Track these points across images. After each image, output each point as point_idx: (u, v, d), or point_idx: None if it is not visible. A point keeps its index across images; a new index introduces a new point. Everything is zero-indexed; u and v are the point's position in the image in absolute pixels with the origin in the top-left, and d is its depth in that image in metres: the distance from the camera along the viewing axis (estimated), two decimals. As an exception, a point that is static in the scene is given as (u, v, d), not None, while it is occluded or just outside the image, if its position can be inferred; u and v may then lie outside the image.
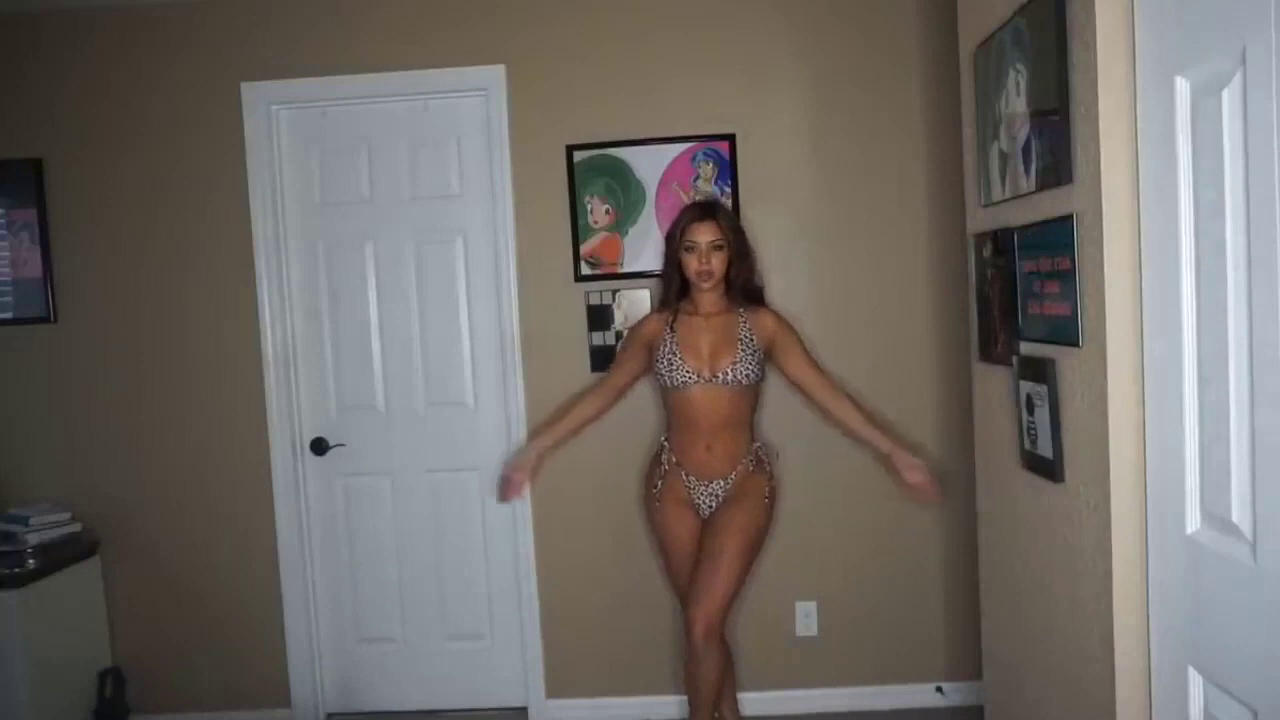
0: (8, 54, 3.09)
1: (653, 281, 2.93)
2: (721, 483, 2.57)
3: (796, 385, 2.64)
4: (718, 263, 2.51)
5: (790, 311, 2.85)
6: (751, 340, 2.53)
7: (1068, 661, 1.80)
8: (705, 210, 2.54)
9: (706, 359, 2.52)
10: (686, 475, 2.58)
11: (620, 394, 2.72)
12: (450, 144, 3.11)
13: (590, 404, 2.70)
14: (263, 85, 3.05)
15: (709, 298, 2.56)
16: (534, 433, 2.68)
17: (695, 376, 2.50)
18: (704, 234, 2.50)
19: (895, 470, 2.55)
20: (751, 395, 2.58)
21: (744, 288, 2.59)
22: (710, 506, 2.59)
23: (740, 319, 2.56)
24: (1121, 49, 1.53)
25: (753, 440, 2.62)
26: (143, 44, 3.07)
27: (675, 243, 2.55)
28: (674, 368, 2.51)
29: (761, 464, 2.61)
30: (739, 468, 2.56)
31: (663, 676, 3.09)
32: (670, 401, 2.58)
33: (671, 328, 2.57)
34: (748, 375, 2.50)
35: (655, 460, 2.68)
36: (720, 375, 2.49)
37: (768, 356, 2.59)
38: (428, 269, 3.15)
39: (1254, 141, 1.20)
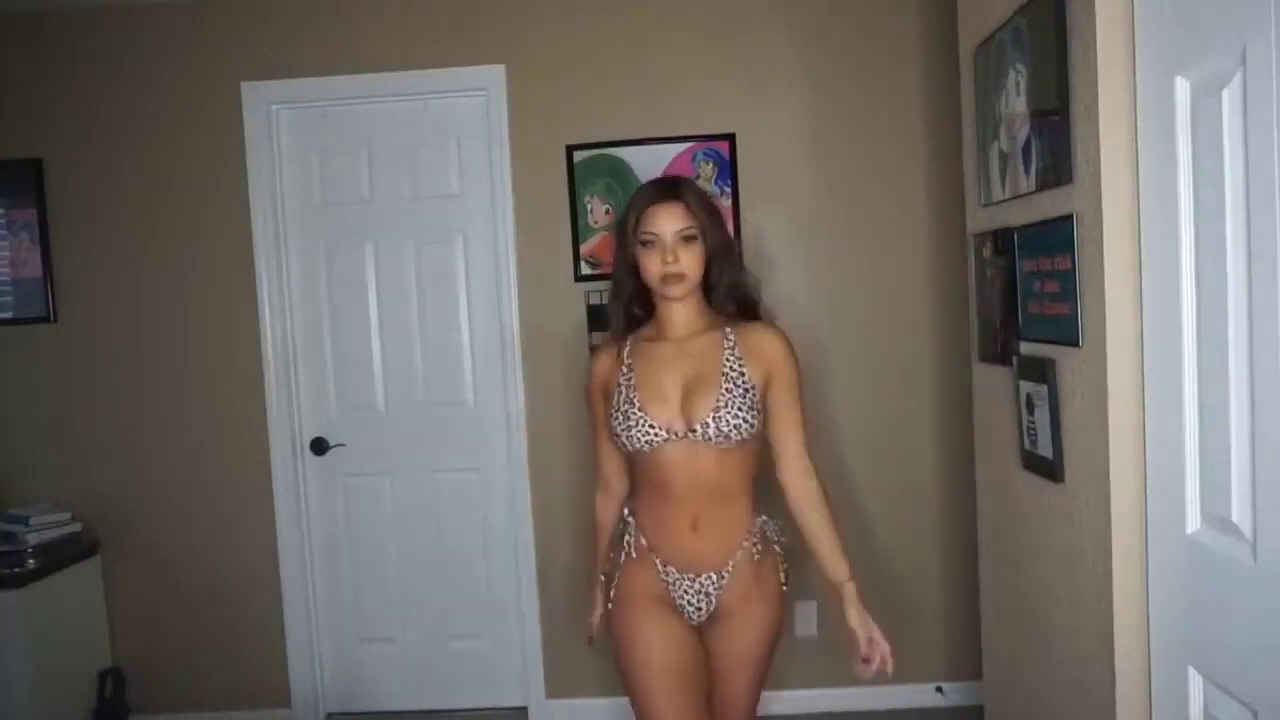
0: (8, 54, 3.08)
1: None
2: (714, 577, 1.82)
3: (767, 441, 1.87)
4: (690, 260, 1.78)
5: (789, 314, 2.82)
6: (742, 371, 1.78)
7: (1068, 661, 1.80)
8: (667, 189, 1.82)
9: (677, 405, 1.78)
10: (664, 566, 1.83)
11: (622, 474, 1.98)
12: (450, 144, 3.11)
13: (608, 510, 2.01)
14: (263, 85, 3.05)
15: (680, 313, 1.84)
16: (593, 570, 2.06)
17: (663, 432, 1.76)
18: (667, 220, 1.78)
19: (839, 610, 1.83)
20: (751, 451, 1.84)
21: (730, 293, 1.86)
22: (700, 610, 1.84)
23: (726, 340, 1.82)
24: (1121, 49, 1.53)
25: (755, 512, 1.87)
26: (143, 44, 3.07)
27: (628, 237, 1.82)
28: (631, 423, 1.77)
29: (769, 545, 1.88)
30: (739, 552, 1.83)
31: (663, 676, 3.08)
32: (637, 464, 1.85)
33: (627, 365, 1.85)
34: (739, 426, 1.74)
35: (616, 545, 1.94)
36: (700, 428, 1.74)
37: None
38: (428, 269, 3.15)
39: (1254, 141, 1.20)
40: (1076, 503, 1.72)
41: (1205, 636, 1.39)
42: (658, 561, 1.84)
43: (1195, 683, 1.41)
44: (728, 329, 1.84)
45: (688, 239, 1.79)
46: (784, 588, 1.90)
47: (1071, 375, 1.71)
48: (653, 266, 1.79)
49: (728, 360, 1.80)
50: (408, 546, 3.21)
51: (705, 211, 1.81)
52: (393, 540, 3.21)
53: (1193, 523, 1.40)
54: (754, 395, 1.77)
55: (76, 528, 3.09)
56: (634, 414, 1.77)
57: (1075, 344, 1.67)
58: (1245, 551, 1.27)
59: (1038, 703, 1.98)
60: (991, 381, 2.15)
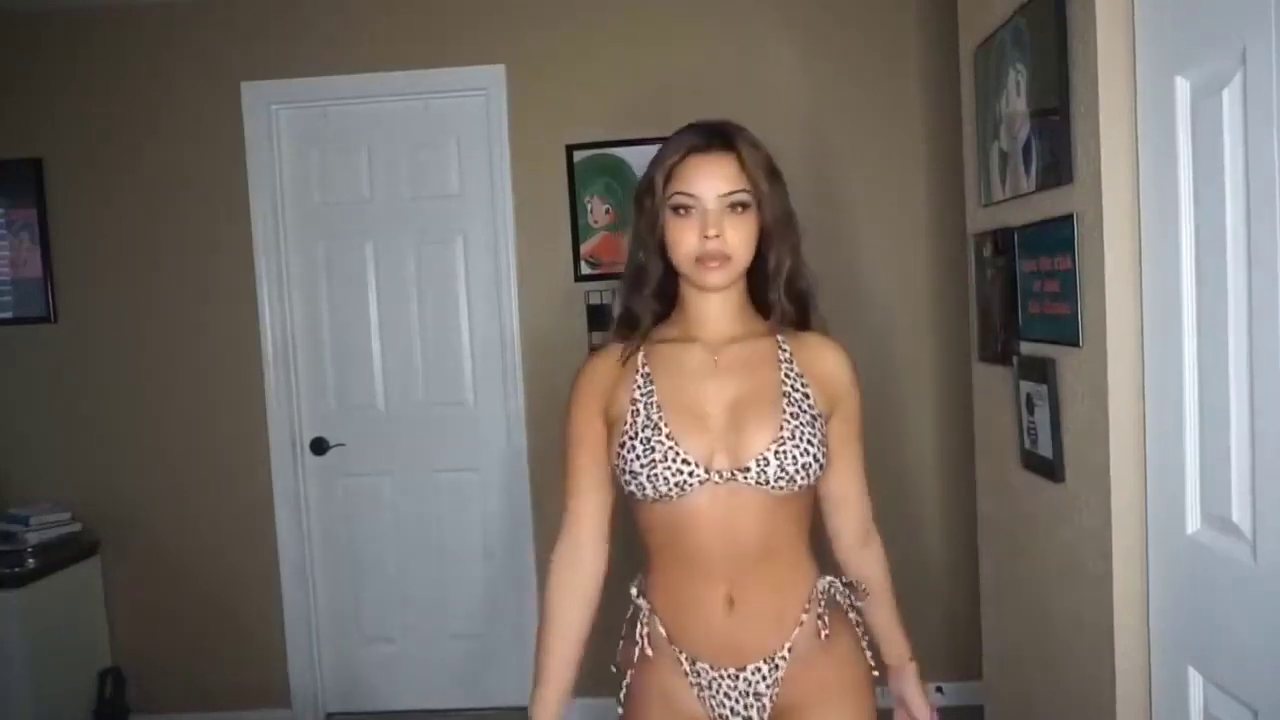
0: (8, 54, 3.09)
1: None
2: (763, 669, 1.31)
3: (820, 492, 1.41)
4: (739, 237, 1.29)
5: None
6: (806, 393, 1.33)
7: (1068, 661, 1.80)
8: (715, 135, 1.31)
9: (720, 431, 1.29)
10: (692, 663, 1.33)
11: (603, 536, 1.43)
12: (450, 144, 3.11)
13: (574, 588, 1.43)
14: (263, 85, 3.05)
15: (720, 308, 1.35)
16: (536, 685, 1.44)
17: (700, 471, 1.26)
18: (712, 178, 1.28)
19: (889, 685, 1.59)
20: (810, 498, 1.37)
21: (788, 289, 1.37)
22: None
23: (781, 350, 1.36)
24: (1121, 49, 1.53)
25: (815, 572, 1.37)
26: (143, 44, 3.07)
27: (656, 200, 1.31)
28: (656, 457, 1.26)
29: (842, 615, 1.38)
30: (799, 629, 1.32)
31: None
32: (652, 519, 1.33)
33: (644, 375, 1.34)
34: (808, 465, 1.27)
35: (629, 631, 1.43)
36: (755, 466, 1.26)
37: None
38: (428, 269, 3.15)
39: (1254, 141, 1.20)
40: (1076, 503, 1.72)
41: (1205, 636, 1.39)
42: (683, 657, 1.33)
43: (1195, 683, 1.41)
44: (779, 337, 1.37)
45: (738, 206, 1.29)
46: (874, 672, 1.42)
47: (1071, 375, 1.71)
48: (686, 241, 1.28)
49: (788, 377, 1.33)
50: (408, 546, 3.21)
51: (764, 171, 1.31)
52: (393, 540, 3.21)
53: (1193, 522, 1.40)
54: (822, 425, 1.32)
55: (76, 528, 3.09)
56: (660, 444, 1.26)
57: (1075, 344, 1.67)
58: (1245, 551, 1.27)
59: (1038, 703, 1.98)
60: (991, 381, 2.15)
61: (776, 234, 1.34)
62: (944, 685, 3.09)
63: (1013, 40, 1.86)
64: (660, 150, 1.33)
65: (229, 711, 3.20)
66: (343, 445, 3.19)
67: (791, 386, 1.32)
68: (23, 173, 3.09)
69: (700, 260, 1.28)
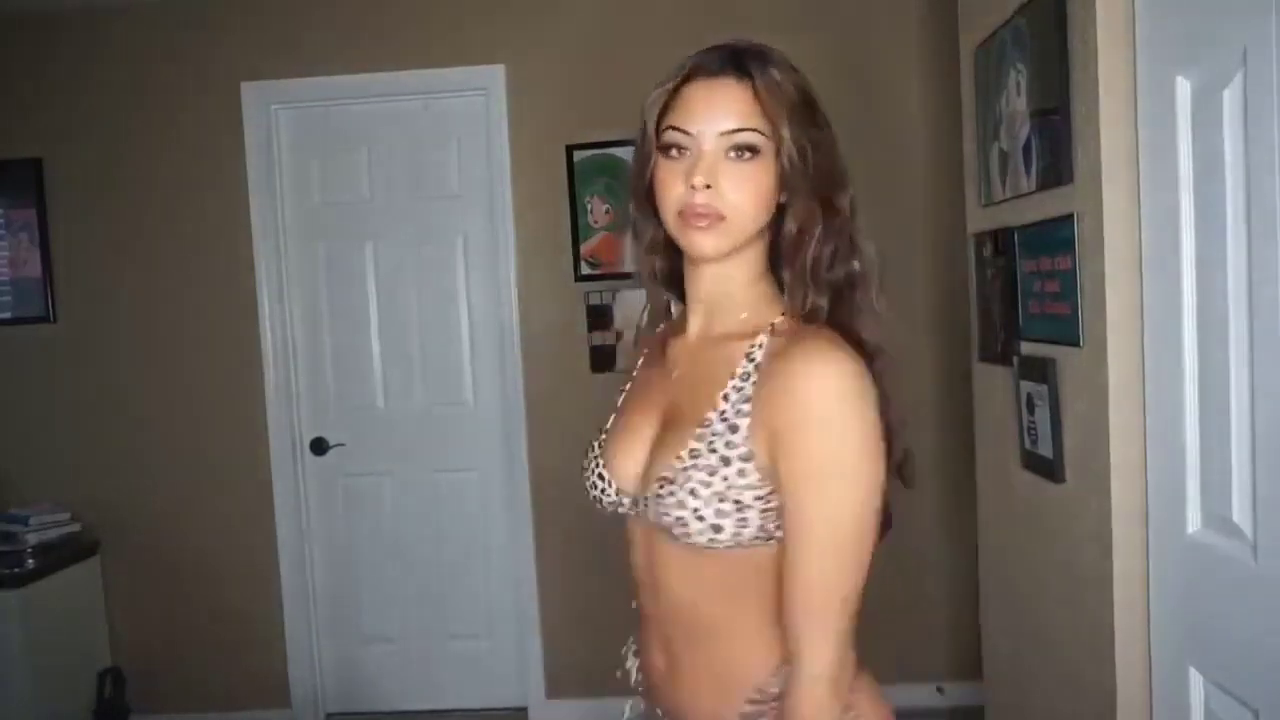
0: (8, 54, 3.08)
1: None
2: None
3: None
4: (740, 189, 0.98)
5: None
6: (735, 422, 0.97)
7: (1068, 661, 1.80)
8: (726, 58, 1.05)
9: (638, 449, 1.06)
10: (662, 715, 1.13)
11: None
12: (450, 144, 3.11)
13: None
14: (263, 85, 3.05)
15: (715, 287, 1.06)
16: None
17: (613, 491, 1.07)
18: (712, 110, 0.99)
19: None
20: (758, 565, 0.98)
21: (822, 273, 1.04)
22: None
23: (750, 353, 1.01)
24: (1122, 49, 1.52)
25: (771, 658, 1.01)
26: (143, 44, 3.07)
27: (647, 139, 1.04)
28: (585, 462, 1.13)
29: None
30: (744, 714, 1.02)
31: (663, 676, 3.08)
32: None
33: (639, 366, 1.20)
34: (683, 519, 0.95)
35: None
36: (648, 500, 1.00)
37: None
38: (428, 269, 3.15)
39: (1254, 141, 1.20)
40: (1076, 503, 1.72)
41: (1206, 636, 1.39)
42: (653, 703, 1.15)
43: (1195, 683, 1.41)
44: (761, 337, 1.01)
45: (744, 150, 0.98)
46: None
47: (1072, 375, 1.71)
48: (671, 190, 0.98)
49: (733, 392, 0.99)
50: (408, 546, 3.21)
51: (788, 108, 0.98)
52: (393, 540, 3.21)
53: (1193, 523, 1.40)
54: (743, 470, 0.95)
55: (76, 528, 3.09)
56: (592, 449, 1.13)
57: (1075, 344, 1.67)
58: (1246, 551, 1.27)
59: (1038, 703, 1.98)
60: (991, 381, 2.15)
61: (800, 192, 1.00)
62: (944, 685, 3.10)
63: (1013, 40, 1.86)
64: (664, 79, 1.05)
65: (229, 711, 3.20)
66: (343, 445, 3.19)
67: (729, 406, 0.97)
68: (22, 173, 3.09)
69: (683, 215, 0.97)
